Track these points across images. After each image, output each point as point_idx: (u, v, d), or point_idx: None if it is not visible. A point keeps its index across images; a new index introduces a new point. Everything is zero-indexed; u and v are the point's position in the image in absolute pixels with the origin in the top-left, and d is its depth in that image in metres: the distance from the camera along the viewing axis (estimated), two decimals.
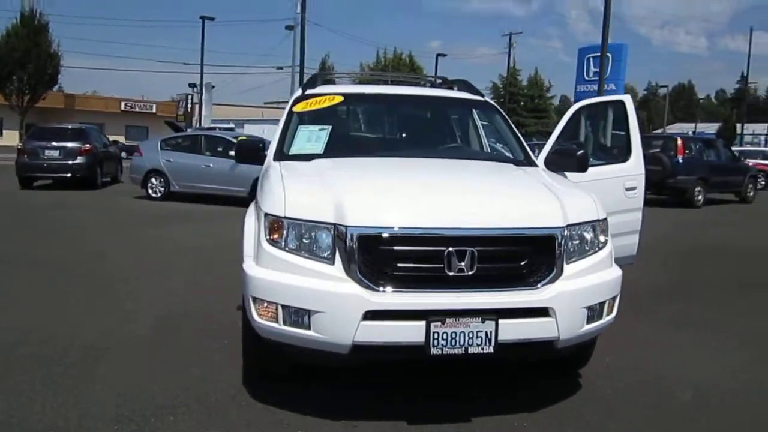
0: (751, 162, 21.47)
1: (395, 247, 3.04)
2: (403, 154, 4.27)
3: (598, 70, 33.71)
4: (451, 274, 3.03)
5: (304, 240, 3.13)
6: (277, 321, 3.12)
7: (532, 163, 4.42)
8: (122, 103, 50.09)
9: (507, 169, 4.15)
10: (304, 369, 3.71)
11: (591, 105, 5.19)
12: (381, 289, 3.00)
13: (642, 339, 4.74)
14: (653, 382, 3.94)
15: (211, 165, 12.79)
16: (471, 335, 3.02)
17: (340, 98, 4.64)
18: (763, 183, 22.28)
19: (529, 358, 3.62)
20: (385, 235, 3.03)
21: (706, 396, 3.75)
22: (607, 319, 3.39)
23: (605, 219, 3.47)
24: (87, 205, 12.65)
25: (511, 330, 3.06)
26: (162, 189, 13.33)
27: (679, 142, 15.77)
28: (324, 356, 3.16)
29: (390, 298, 2.99)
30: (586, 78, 34.86)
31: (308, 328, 3.05)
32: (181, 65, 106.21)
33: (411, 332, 2.99)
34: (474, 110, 5.00)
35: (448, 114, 5.02)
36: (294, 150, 4.27)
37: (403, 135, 4.83)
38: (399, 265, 3.04)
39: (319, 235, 3.10)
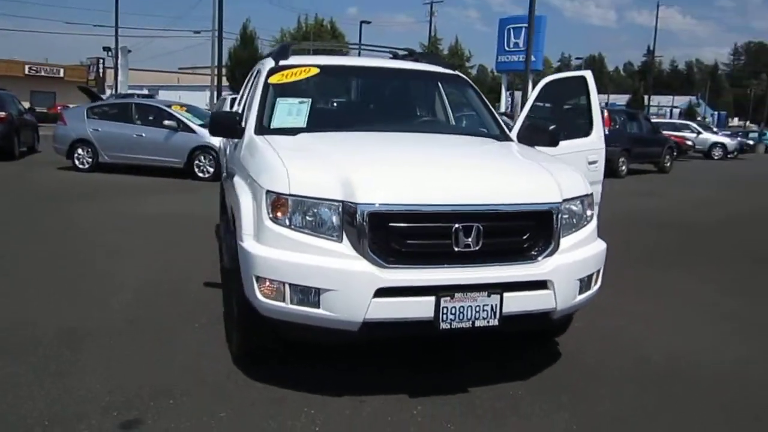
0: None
1: (405, 224, 3.06)
2: (388, 128, 4.25)
3: (518, 40, 34.65)
4: (457, 249, 3.09)
5: (309, 217, 3.09)
6: (283, 300, 3.08)
7: (508, 138, 4.52)
8: (26, 67, 46.65)
9: (493, 144, 4.22)
10: (298, 347, 3.70)
11: (556, 80, 5.34)
12: (391, 265, 3.02)
13: (603, 307, 4.99)
14: (627, 346, 4.19)
15: (144, 135, 12.24)
16: (478, 309, 3.09)
17: (316, 70, 4.54)
18: (675, 154, 23.67)
19: (525, 330, 3.75)
20: (395, 212, 3.04)
21: (671, 352, 4.04)
22: (594, 289, 3.56)
23: (591, 194, 3.61)
24: (8, 179, 11.84)
25: (514, 303, 3.16)
26: (90, 160, 12.63)
27: (606, 114, 16.44)
28: (331, 334, 3.15)
29: (401, 274, 3.02)
30: (507, 49, 35.68)
31: (317, 306, 3.03)
32: (89, 27, 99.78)
33: (421, 308, 3.03)
34: (440, 83, 5.02)
35: (423, 87, 5.02)
36: (276, 124, 4.16)
37: (383, 108, 4.79)
38: (408, 241, 3.06)
39: (326, 213, 3.06)
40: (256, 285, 3.15)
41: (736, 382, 3.72)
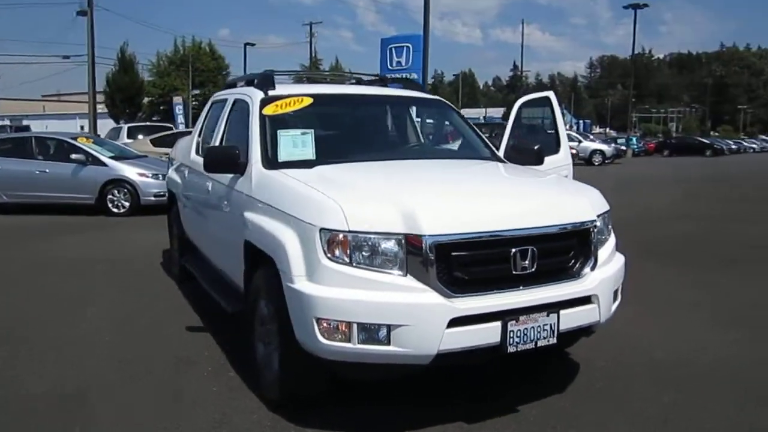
0: None
1: (467, 252, 3.07)
2: (397, 156, 4.26)
3: (401, 59, 35.73)
4: (515, 273, 3.14)
5: (370, 253, 3.01)
6: (349, 340, 2.98)
7: (501, 159, 4.65)
8: None
9: (505, 166, 4.34)
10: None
11: (529, 100, 5.57)
12: (457, 295, 3.01)
13: None
14: (633, 347, 4.43)
15: (48, 170, 11.25)
16: (539, 329, 3.16)
17: (310, 100, 4.44)
18: None
19: (571, 344, 3.85)
20: (458, 241, 3.04)
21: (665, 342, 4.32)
22: (619, 299, 3.75)
23: (609, 209, 3.81)
24: None
25: (569, 320, 3.26)
26: None
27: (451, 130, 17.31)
28: (397, 369, 3.09)
29: (469, 302, 3.02)
30: (390, 67, 36.64)
31: (388, 343, 2.96)
32: None
33: (489, 334, 3.05)
34: (427, 108, 5.10)
35: (411, 113, 5.05)
36: (284, 157, 4.01)
37: (384, 136, 4.77)
38: (471, 269, 3.08)
39: (388, 247, 3.01)
40: (316, 327, 3.02)
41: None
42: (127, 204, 11.23)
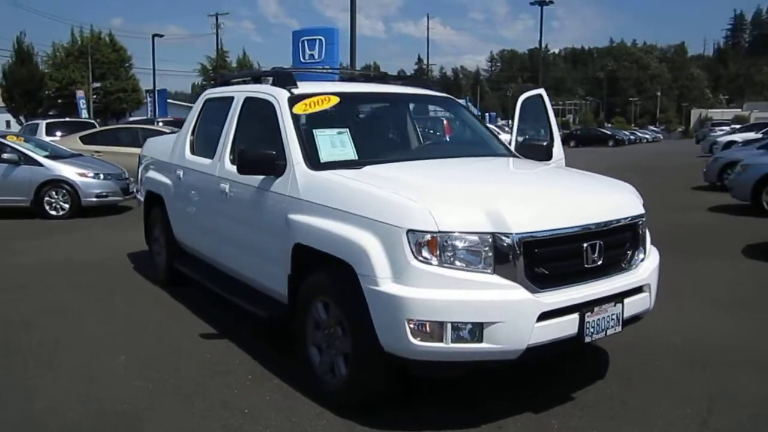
0: None
1: (548, 248, 3.18)
2: (434, 154, 4.31)
3: (313, 52, 35.62)
4: (587, 266, 3.29)
5: (459, 252, 3.06)
6: (441, 340, 3.02)
7: (517, 155, 4.80)
8: None
9: (543, 165, 4.50)
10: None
11: (529, 97, 5.73)
12: (542, 290, 3.12)
13: None
14: (645, 333, 4.70)
15: None
16: (608, 319, 3.33)
17: (337, 99, 4.39)
18: None
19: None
20: (542, 238, 3.15)
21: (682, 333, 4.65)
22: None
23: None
24: None
25: (630, 308, 3.46)
26: None
27: (446, 123, 17.68)
28: (484, 365, 3.17)
29: (554, 297, 3.14)
30: (303, 60, 36.40)
31: (480, 340, 3.02)
32: None
33: (570, 325, 3.19)
34: (442, 106, 5.16)
35: (433, 111, 5.09)
36: (326, 157, 3.95)
37: (415, 134, 4.77)
38: (551, 264, 3.19)
39: (477, 246, 3.06)
40: (407, 328, 3.03)
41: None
42: (66, 206, 10.53)
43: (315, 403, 3.60)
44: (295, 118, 4.16)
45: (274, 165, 3.98)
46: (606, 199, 3.65)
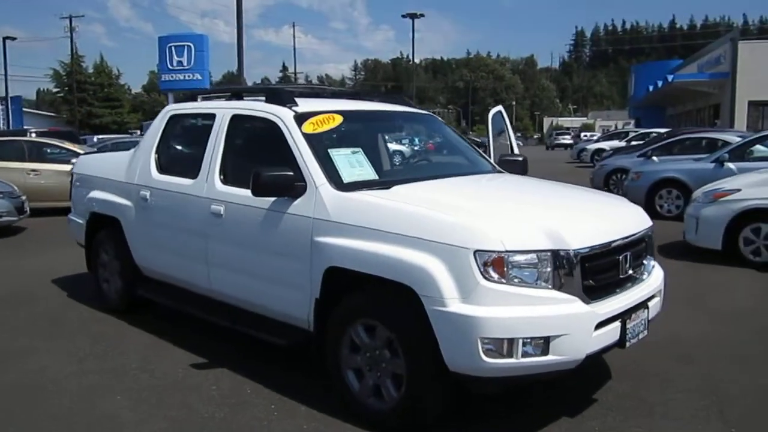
0: None
1: (597, 261, 3.38)
2: (445, 172, 4.39)
3: (182, 59, 34.49)
4: (621, 276, 3.54)
5: (524, 270, 3.17)
6: (512, 356, 3.11)
7: (501, 170, 5.01)
8: None
9: (546, 181, 4.70)
10: None
11: (493, 114, 5.97)
12: (593, 301, 3.31)
13: None
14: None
15: None
16: (640, 323, 3.61)
17: (341, 118, 4.34)
18: None
19: None
20: (594, 252, 3.35)
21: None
22: None
23: None
24: None
25: (651, 312, 3.77)
26: None
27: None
28: (545, 376, 3.30)
29: (604, 307, 3.34)
30: (170, 67, 35.06)
31: (547, 353, 3.15)
32: None
33: (615, 333, 3.41)
34: (426, 124, 5.25)
35: (424, 128, 5.13)
36: (348, 177, 3.90)
37: (414, 152, 4.78)
38: (598, 276, 3.39)
39: (539, 263, 3.18)
40: (480, 347, 3.09)
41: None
42: None
43: (358, 427, 3.54)
44: (308, 138, 4.06)
45: (293, 187, 3.86)
46: (629, 214, 3.94)
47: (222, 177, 4.47)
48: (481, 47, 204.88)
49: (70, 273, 7.12)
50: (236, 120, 4.56)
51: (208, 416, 3.75)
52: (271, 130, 4.23)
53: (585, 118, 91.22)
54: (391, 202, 3.57)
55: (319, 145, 4.07)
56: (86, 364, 4.61)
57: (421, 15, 40.96)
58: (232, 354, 4.64)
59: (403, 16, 40.95)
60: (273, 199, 3.98)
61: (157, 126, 5.32)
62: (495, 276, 3.12)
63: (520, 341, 3.10)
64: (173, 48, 33.51)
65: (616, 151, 19.40)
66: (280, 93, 4.42)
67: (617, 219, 3.76)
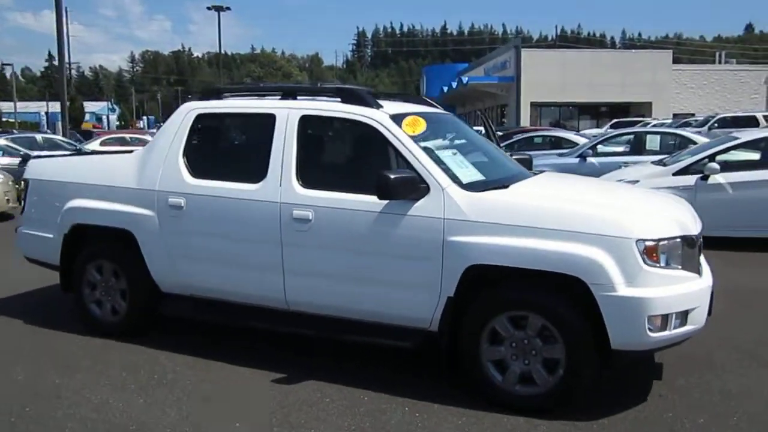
0: None
1: (697, 244, 4.01)
2: (523, 171, 4.76)
3: None
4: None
5: (669, 254, 3.69)
6: (666, 329, 3.63)
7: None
8: None
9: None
10: None
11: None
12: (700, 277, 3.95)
13: None
14: None
15: None
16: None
17: (424, 120, 4.45)
18: None
19: None
20: (698, 236, 4.00)
21: None
22: None
23: None
24: None
25: None
26: None
27: None
28: (678, 344, 3.85)
29: (707, 282, 3.97)
30: None
31: (685, 324, 3.72)
32: None
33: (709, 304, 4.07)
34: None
35: (455, 129, 5.27)
36: (464, 178, 4.08)
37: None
38: (698, 258, 4.04)
39: (677, 247, 3.73)
40: (646, 324, 3.55)
41: None
42: None
43: (509, 414, 3.77)
44: (415, 140, 4.15)
45: (418, 188, 3.94)
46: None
47: (301, 181, 4.31)
48: (266, 43, 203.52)
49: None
50: (308, 121, 4.42)
51: (355, 429, 3.69)
52: (364, 132, 4.22)
53: None
54: (543, 201, 3.88)
55: (426, 147, 4.17)
56: (139, 393, 4.15)
57: (227, 8, 39.79)
58: (304, 363, 4.52)
59: (209, 8, 39.37)
60: (384, 202, 4.00)
61: (179, 126, 4.85)
62: (651, 261, 3.60)
63: (673, 315, 3.63)
64: None
65: None
66: (361, 93, 4.39)
67: (691, 210, 4.45)
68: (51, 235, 5.28)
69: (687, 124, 22.87)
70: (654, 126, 21.20)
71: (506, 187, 4.10)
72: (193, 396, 4.10)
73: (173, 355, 4.74)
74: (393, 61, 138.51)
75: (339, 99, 4.45)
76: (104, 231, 5.05)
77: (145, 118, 74.45)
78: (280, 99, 4.67)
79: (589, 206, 3.82)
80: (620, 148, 12.77)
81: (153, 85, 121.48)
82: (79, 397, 4.09)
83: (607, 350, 3.65)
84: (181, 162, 4.75)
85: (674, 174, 8.33)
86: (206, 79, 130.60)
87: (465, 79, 39.92)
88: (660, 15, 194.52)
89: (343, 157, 4.43)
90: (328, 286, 4.28)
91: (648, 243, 3.60)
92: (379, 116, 4.23)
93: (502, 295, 3.83)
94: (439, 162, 4.10)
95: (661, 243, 3.65)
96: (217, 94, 4.97)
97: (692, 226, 3.93)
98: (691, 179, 8.13)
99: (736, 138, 8.59)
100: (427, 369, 4.46)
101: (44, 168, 5.57)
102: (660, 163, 9.24)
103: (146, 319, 5.05)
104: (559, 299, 3.68)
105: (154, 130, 37.93)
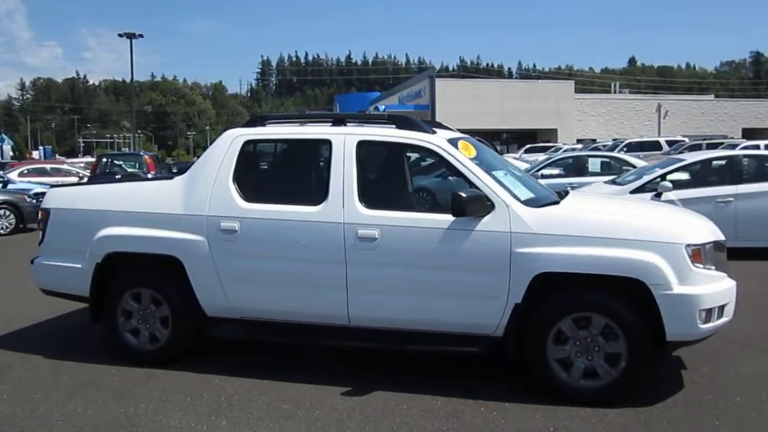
0: None
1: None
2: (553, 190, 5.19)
3: None
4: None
5: (708, 256, 4.24)
6: (711, 321, 4.17)
7: None
8: None
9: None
10: None
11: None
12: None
13: None
14: None
15: None
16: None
17: (472, 147, 4.83)
18: None
19: None
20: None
21: None
22: None
23: None
24: None
25: None
26: None
27: (148, 159, 16.31)
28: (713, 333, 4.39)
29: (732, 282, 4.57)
30: None
31: (722, 316, 4.27)
32: None
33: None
34: None
35: None
36: (521, 196, 4.48)
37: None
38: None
39: (712, 251, 4.30)
40: (698, 317, 4.07)
41: None
42: None
43: (577, 406, 4.16)
44: (473, 161, 4.52)
45: (485, 206, 4.30)
46: None
47: (363, 202, 4.55)
48: (167, 71, 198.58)
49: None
50: (366, 146, 4.68)
51: (447, 429, 3.94)
52: (425, 156, 4.54)
53: None
54: (600, 215, 4.40)
55: (485, 167, 4.56)
56: (233, 414, 4.20)
57: (140, 35, 38.67)
58: (359, 375, 4.72)
59: (120, 36, 38.06)
60: (451, 219, 4.33)
61: (225, 152, 4.94)
62: (696, 263, 4.14)
63: (716, 309, 4.17)
64: None
65: None
66: (414, 120, 4.73)
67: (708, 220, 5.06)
68: (79, 265, 5.15)
69: (596, 149, 24.64)
70: (566, 150, 22.69)
71: (558, 203, 4.54)
72: (273, 415, 4.18)
73: (226, 378, 4.77)
74: (298, 90, 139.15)
75: (394, 125, 4.74)
76: (144, 258, 5.02)
77: (41, 148, 70.40)
78: (331, 126, 4.91)
79: (638, 218, 4.34)
80: (556, 171, 13.71)
81: (46, 114, 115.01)
82: (157, 424, 4.08)
83: (660, 342, 4.13)
84: (232, 187, 4.84)
85: (631, 192, 9.15)
86: (103, 107, 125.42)
87: (381, 107, 40.81)
88: (552, 48, 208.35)
89: (402, 179, 4.71)
90: (392, 300, 4.51)
91: (694, 247, 4.14)
92: (437, 141, 4.58)
93: (569, 299, 4.23)
94: (498, 181, 4.48)
95: (705, 247, 4.20)
96: (262, 122, 5.13)
97: (720, 233, 4.53)
98: (647, 197, 8.96)
99: (682, 160, 9.57)
100: (473, 373, 4.77)
101: (69, 197, 5.44)
102: (612, 182, 10.10)
103: (188, 344, 5.04)
104: (620, 300, 4.13)
105: (62, 160, 36.39)
